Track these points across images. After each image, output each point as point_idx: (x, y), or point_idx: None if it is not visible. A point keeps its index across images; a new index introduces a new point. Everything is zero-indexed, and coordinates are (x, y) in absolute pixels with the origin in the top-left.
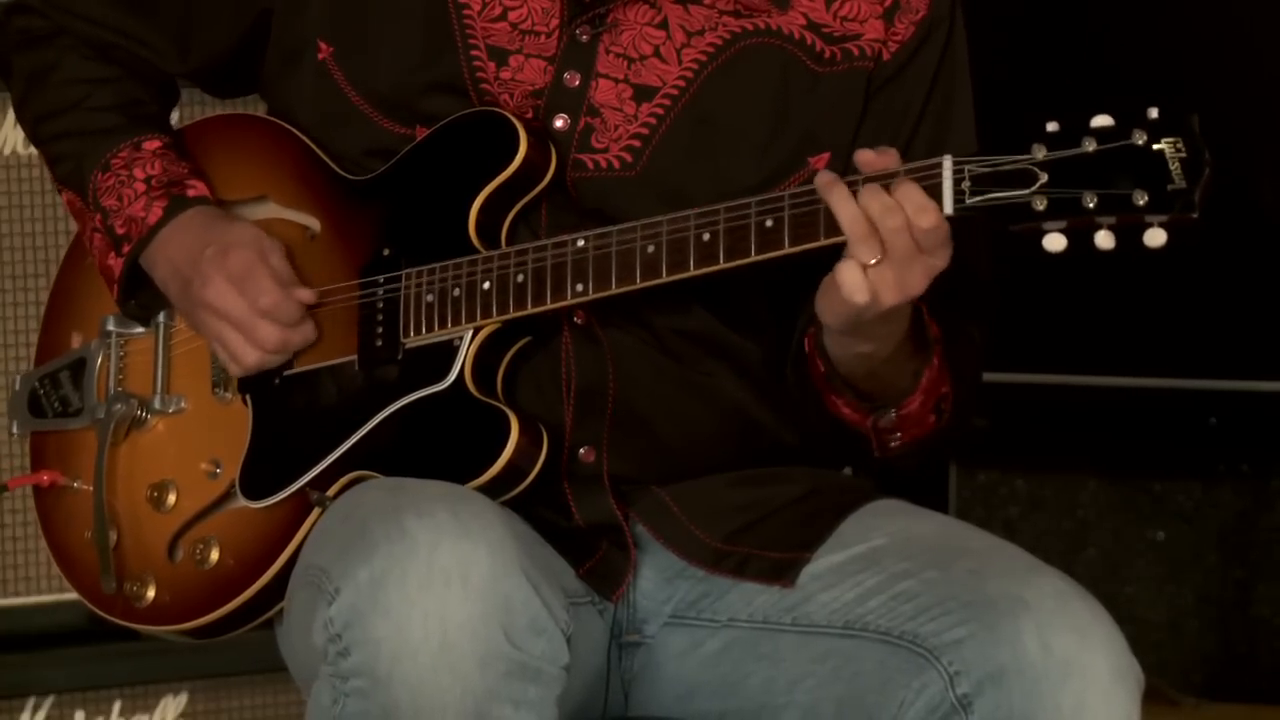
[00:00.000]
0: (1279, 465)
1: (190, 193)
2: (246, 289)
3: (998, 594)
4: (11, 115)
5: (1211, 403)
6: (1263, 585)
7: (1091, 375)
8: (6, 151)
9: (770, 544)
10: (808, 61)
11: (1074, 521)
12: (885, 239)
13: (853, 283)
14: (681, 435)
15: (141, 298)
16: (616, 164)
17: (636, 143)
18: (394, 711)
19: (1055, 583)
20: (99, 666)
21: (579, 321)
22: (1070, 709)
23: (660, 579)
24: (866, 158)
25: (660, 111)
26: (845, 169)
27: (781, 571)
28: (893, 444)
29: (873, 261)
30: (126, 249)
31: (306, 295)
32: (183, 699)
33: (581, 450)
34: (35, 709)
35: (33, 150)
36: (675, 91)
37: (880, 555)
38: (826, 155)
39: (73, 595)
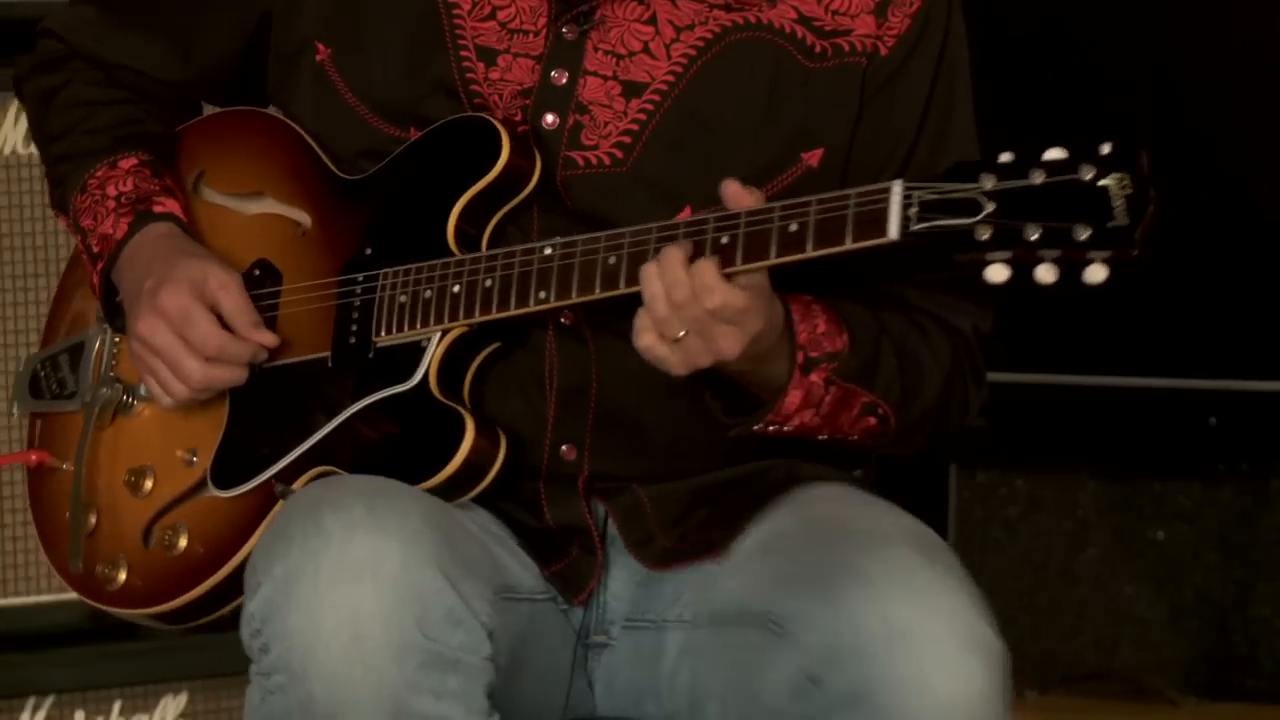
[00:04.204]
0: (1279, 465)
1: (157, 209)
2: (185, 330)
3: (844, 568)
4: (11, 115)
5: (1211, 403)
6: (1263, 585)
7: (1091, 375)
8: (6, 151)
9: (702, 530)
10: (799, 56)
11: (1074, 521)
12: (680, 316)
13: (645, 347)
14: (668, 435)
15: (124, 313)
16: (607, 160)
17: (626, 139)
18: (311, 706)
19: (904, 553)
20: (99, 666)
21: (565, 322)
22: (910, 679)
23: (631, 581)
24: (732, 189)
25: (650, 107)
26: (841, 166)
27: (705, 549)
28: (849, 440)
29: (675, 338)
30: (100, 266)
31: (270, 339)
32: (183, 699)
33: (563, 448)
34: (35, 709)
35: (33, 150)
36: (664, 87)
37: (783, 540)
38: (820, 151)
39: (73, 595)
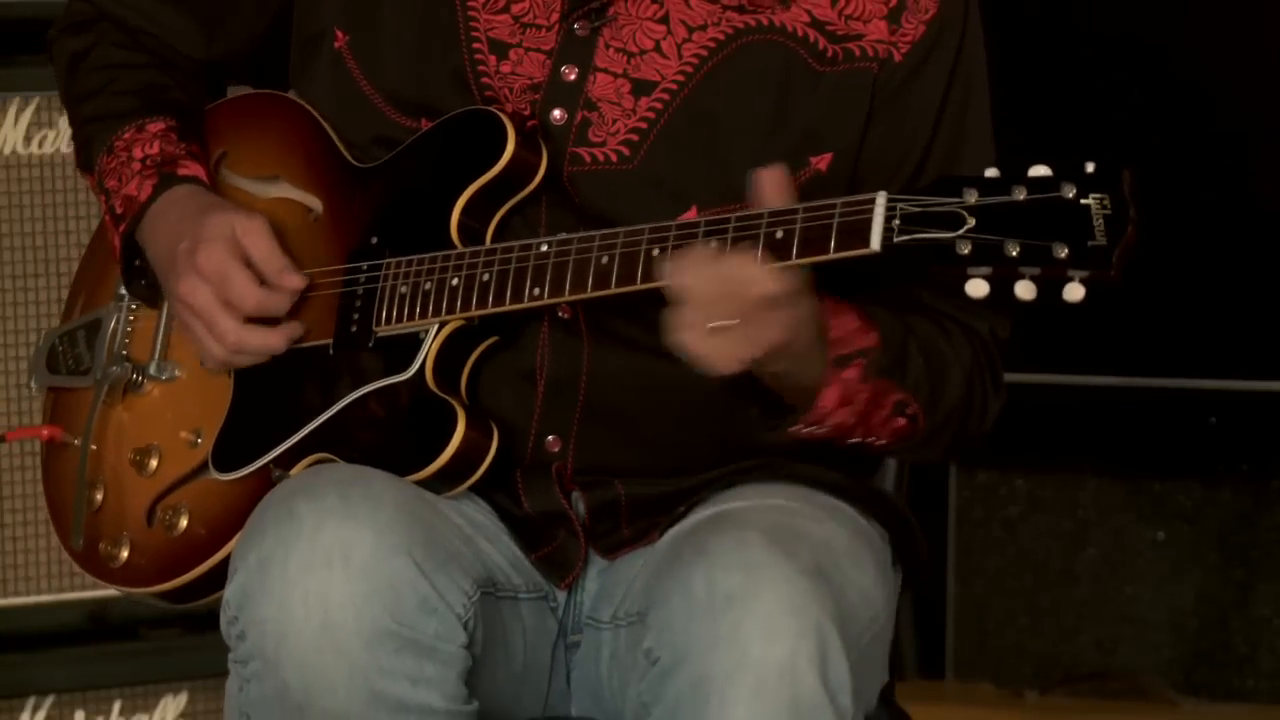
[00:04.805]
0: (1279, 465)
1: (181, 171)
2: (224, 290)
3: (689, 548)
4: (11, 115)
5: (1211, 403)
6: (1263, 585)
7: (1091, 375)
8: (6, 151)
9: (649, 518)
10: (810, 60)
11: (1074, 521)
12: (724, 308)
13: (688, 344)
14: (655, 433)
15: (145, 277)
16: (614, 158)
17: (634, 137)
18: (286, 692)
19: (748, 535)
20: (99, 666)
21: (564, 315)
22: (726, 636)
23: (601, 585)
24: (767, 179)
25: (659, 106)
26: (849, 171)
27: (642, 535)
28: (875, 444)
29: (723, 328)
30: (122, 228)
31: (297, 281)
32: (183, 699)
33: (549, 439)
34: (35, 709)
35: (33, 150)
36: (674, 86)
37: (680, 536)
38: (829, 156)
39: (72, 595)
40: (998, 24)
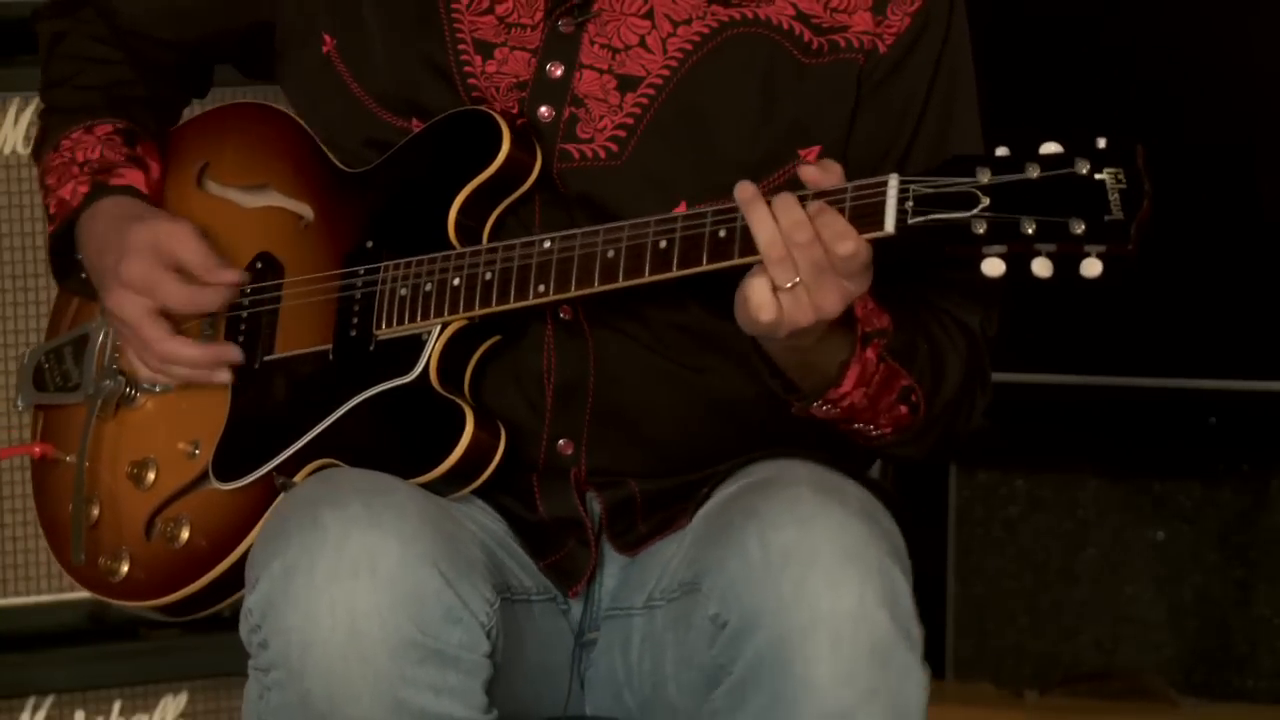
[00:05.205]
0: (1279, 465)
1: (114, 181)
2: (155, 295)
3: (738, 510)
4: (11, 115)
5: (1211, 403)
6: (1263, 585)
7: (1091, 375)
8: (6, 151)
9: (670, 508)
10: (795, 52)
11: (1074, 521)
12: (797, 258)
13: (759, 301)
14: (665, 430)
15: (83, 271)
16: (602, 154)
17: (621, 133)
18: (310, 701)
19: (797, 490)
20: (99, 666)
21: (564, 316)
22: (790, 593)
23: (618, 573)
24: (810, 174)
25: (645, 101)
26: (838, 162)
27: (668, 524)
28: (873, 433)
29: (788, 285)
30: (51, 229)
31: (231, 275)
32: (183, 699)
33: (560, 442)
34: (35, 709)
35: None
36: (660, 81)
37: (716, 507)
38: (817, 148)
39: (73, 595)
40: (996, 24)
